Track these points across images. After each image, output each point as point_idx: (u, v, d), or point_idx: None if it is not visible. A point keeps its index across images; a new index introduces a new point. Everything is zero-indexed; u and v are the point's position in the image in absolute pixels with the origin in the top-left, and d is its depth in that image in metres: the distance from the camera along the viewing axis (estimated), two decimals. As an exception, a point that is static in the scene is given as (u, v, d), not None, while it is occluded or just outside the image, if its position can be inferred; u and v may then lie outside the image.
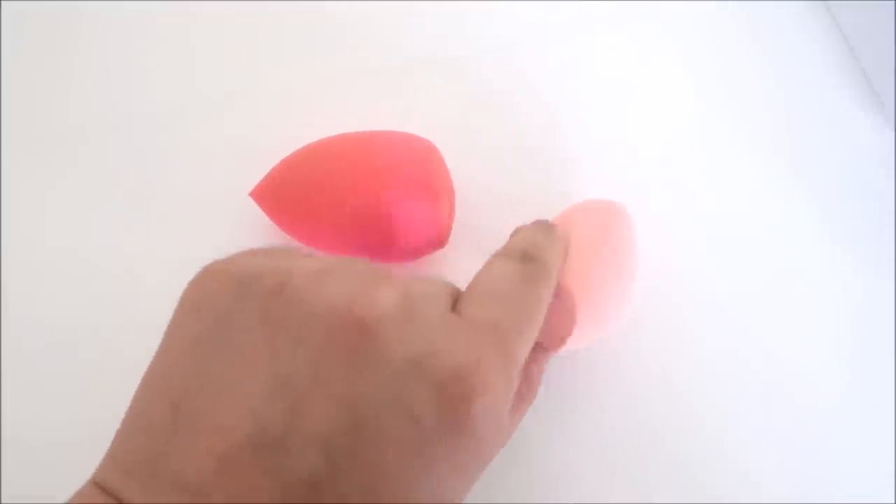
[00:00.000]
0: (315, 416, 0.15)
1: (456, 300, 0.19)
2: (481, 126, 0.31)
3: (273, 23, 0.33)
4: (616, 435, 0.25)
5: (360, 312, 0.16)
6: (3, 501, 0.25)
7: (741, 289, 0.29)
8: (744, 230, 0.30)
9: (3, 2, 0.33)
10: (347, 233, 0.25)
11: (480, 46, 0.33)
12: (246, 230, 0.29)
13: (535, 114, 0.31)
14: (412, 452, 0.15)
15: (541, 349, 0.22)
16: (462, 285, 0.19)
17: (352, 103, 0.31)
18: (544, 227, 0.22)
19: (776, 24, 0.34)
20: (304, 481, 0.15)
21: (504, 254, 0.20)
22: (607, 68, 0.33)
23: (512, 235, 0.22)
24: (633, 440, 0.26)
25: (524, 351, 0.18)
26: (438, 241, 0.26)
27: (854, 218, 0.31)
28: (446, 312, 0.17)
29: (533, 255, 0.20)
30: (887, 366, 0.28)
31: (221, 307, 0.17)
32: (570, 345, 0.23)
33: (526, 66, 0.32)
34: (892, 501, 0.26)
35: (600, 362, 0.24)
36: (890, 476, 0.27)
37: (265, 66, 0.32)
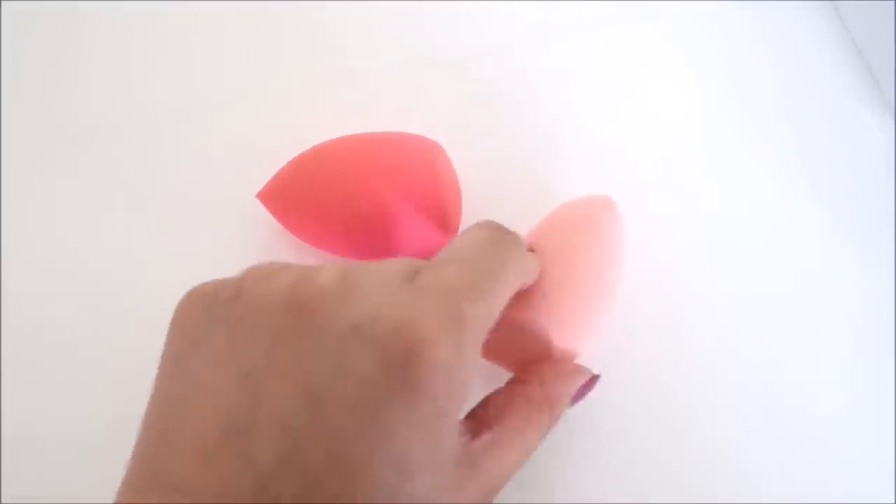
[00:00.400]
0: (274, 398, 0.16)
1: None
2: (483, 126, 0.31)
3: (274, 23, 0.33)
4: (609, 435, 0.25)
5: (299, 292, 0.17)
6: (3, 501, 0.25)
7: (744, 288, 0.29)
8: (748, 230, 0.30)
9: (3, 2, 0.33)
10: (354, 233, 0.25)
11: (482, 46, 0.33)
12: (248, 231, 0.29)
13: (537, 113, 0.31)
14: (369, 415, 0.16)
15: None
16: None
17: (353, 104, 0.31)
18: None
19: (780, 24, 0.34)
20: (273, 461, 0.15)
21: (480, 223, 0.21)
22: (608, 68, 0.33)
23: None
24: (627, 441, 0.26)
25: (480, 307, 0.18)
26: (446, 241, 0.26)
27: (859, 217, 0.31)
28: (392, 281, 0.18)
29: (508, 229, 0.21)
30: (888, 363, 0.28)
31: (194, 325, 0.18)
32: (571, 343, 0.23)
33: (527, 66, 0.32)
34: (892, 502, 0.26)
35: (595, 361, 0.24)
36: (890, 476, 0.27)
37: (266, 67, 0.32)
